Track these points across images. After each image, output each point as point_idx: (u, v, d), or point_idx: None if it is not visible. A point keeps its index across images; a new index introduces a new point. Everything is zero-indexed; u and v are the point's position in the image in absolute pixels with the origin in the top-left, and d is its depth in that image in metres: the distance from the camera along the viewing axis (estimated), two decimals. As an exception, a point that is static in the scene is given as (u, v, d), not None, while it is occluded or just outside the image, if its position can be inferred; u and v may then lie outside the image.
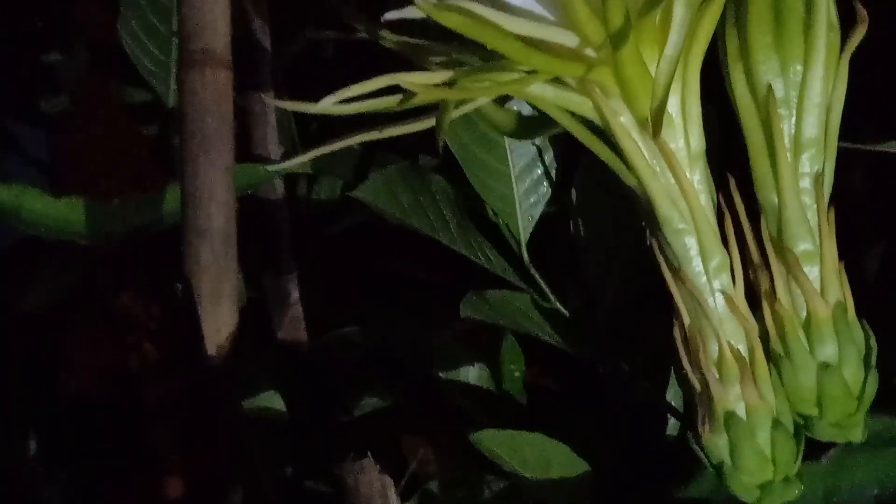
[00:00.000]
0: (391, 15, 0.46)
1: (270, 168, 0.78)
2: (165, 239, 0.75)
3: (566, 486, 0.63)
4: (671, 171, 0.51)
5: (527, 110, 0.55)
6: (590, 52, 0.49)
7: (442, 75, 0.49)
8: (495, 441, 0.60)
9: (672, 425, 0.68)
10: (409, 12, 0.45)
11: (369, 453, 0.56)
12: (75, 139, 0.92)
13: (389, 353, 0.78)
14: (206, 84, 0.69)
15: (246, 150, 0.89)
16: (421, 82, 0.48)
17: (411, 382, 0.78)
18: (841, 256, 0.52)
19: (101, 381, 0.95)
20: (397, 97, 0.49)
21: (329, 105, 0.49)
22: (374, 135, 0.52)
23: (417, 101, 0.48)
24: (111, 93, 0.93)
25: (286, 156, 0.98)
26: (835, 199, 0.53)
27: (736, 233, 0.52)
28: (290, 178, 0.92)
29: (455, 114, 0.51)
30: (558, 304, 0.68)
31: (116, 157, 0.92)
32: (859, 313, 0.53)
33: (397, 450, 0.81)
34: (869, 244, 0.82)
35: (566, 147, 0.69)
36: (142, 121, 0.93)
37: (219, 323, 0.67)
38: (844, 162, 0.54)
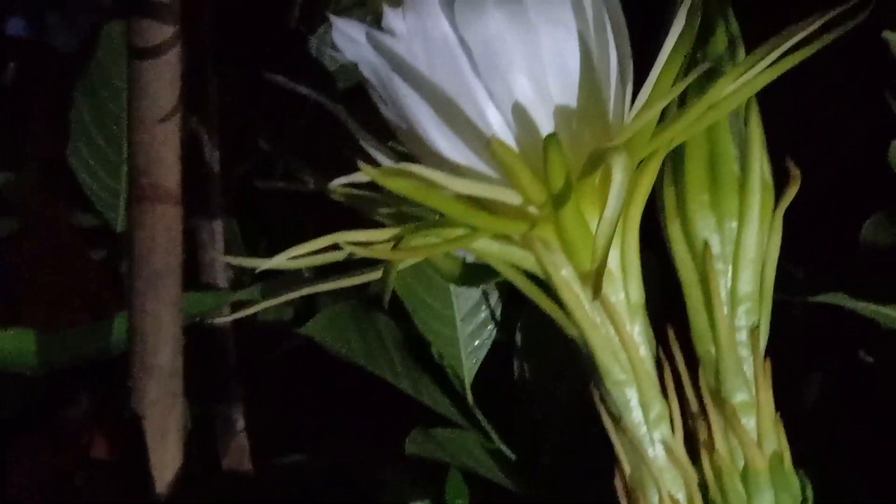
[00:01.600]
0: (338, 181, 0.47)
1: (220, 300, 0.79)
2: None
3: None
4: (612, 323, 0.52)
5: (472, 257, 0.56)
6: (532, 209, 0.50)
7: (387, 232, 0.50)
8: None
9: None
10: (357, 177, 0.47)
11: None
12: (26, 261, 0.93)
13: (338, 482, 0.78)
14: (156, 219, 0.70)
15: (193, 274, 0.89)
16: (366, 240, 0.49)
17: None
18: (778, 386, 0.54)
19: (44, 496, 0.94)
20: (344, 252, 0.50)
21: (278, 262, 0.50)
22: (322, 286, 0.53)
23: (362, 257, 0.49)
24: (61, 215, 0.94)
25: (235, 281, 0.99)
26: (774, 332, 0.55)
27: (675, 383, 0.53)
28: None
29: (402, 265, 0.52)
30: (502, 446, 0.68)
31: (67, 280, 0.92)
32: (797, 445, 0.55)
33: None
34: (807, 375, 0.83)
35: (511, 290, 0.70)
36: (91, 244, 0.94)
37: (165, 458, 0.67)
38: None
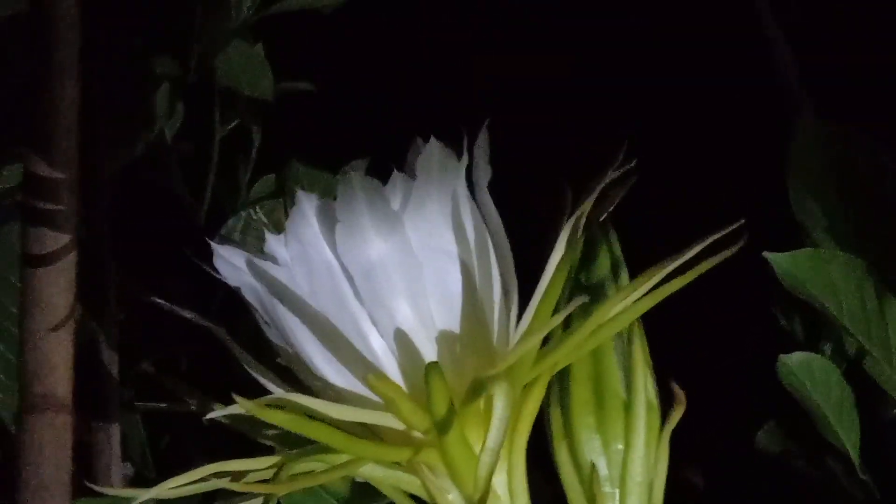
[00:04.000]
0: (214, 414, 0.47)
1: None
2: None
3: None
4: (499, 548, 0.51)
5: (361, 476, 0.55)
6: (417, 433, 0.50)
7: (268, 460, 0.49)
8: None
9: None
10: (233, 409, 0.46)
11: None
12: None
13: None
14: (46, 429, 0.69)
15: (89, 476, 0.87)
16: (246, 469, 0.48)
17: None
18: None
19: None
20: (225, 480, 0.49)
21: (159, 492, 0.49)
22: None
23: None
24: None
25: (136, 477, 0.97)
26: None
27: None
28: None
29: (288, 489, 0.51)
30: None
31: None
32: None
33: None
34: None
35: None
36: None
37: None
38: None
